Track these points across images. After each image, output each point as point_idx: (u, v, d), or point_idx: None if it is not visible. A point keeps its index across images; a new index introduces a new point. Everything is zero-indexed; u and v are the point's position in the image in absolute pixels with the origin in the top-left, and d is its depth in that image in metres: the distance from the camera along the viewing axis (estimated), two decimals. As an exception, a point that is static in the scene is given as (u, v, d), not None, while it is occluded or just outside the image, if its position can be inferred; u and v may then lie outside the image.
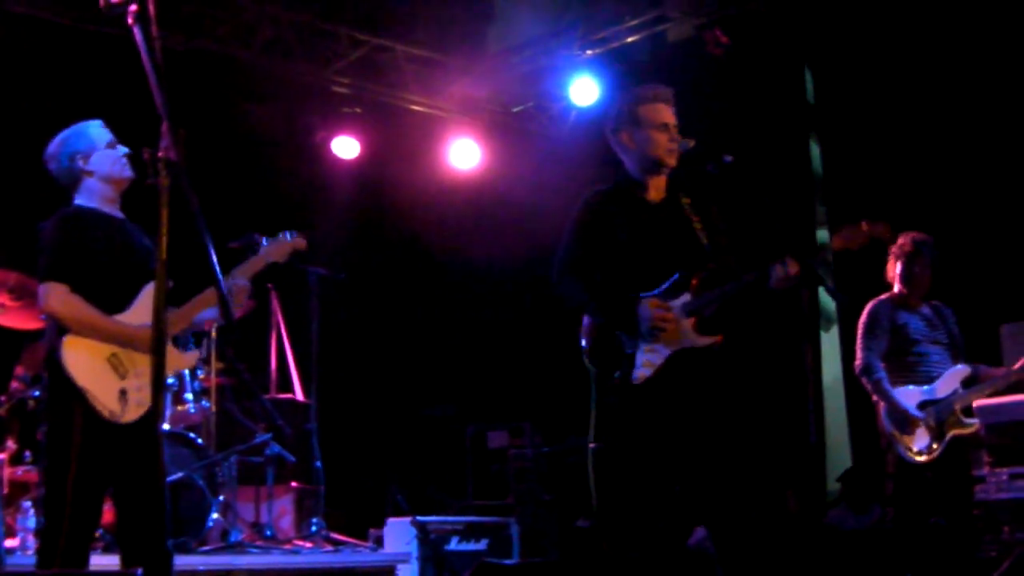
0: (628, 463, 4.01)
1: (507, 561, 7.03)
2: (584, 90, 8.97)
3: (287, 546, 6.77)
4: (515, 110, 10.04)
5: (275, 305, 8.63)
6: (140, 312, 4.12)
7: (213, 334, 6.99)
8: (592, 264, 4.17)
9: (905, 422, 5.65)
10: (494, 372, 9.90)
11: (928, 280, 5.85)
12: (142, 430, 3.99)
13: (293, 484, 7.68)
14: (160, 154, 3.16)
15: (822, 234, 8.62)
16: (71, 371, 3.97)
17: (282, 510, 7.49)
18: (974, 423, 5.67)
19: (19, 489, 6.25)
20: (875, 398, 5.80)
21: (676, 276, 4.11)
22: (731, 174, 4.19)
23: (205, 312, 4.33)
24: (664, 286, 4.12)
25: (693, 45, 8.51)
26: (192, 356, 4.61)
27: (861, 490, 7.12)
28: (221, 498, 6.62)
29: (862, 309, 5.95)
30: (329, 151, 9.62)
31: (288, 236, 4.69)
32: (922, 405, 5.66)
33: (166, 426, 6.40)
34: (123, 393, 4.03)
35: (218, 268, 3.32)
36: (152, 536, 3.83)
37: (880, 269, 6.03)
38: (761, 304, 4.23)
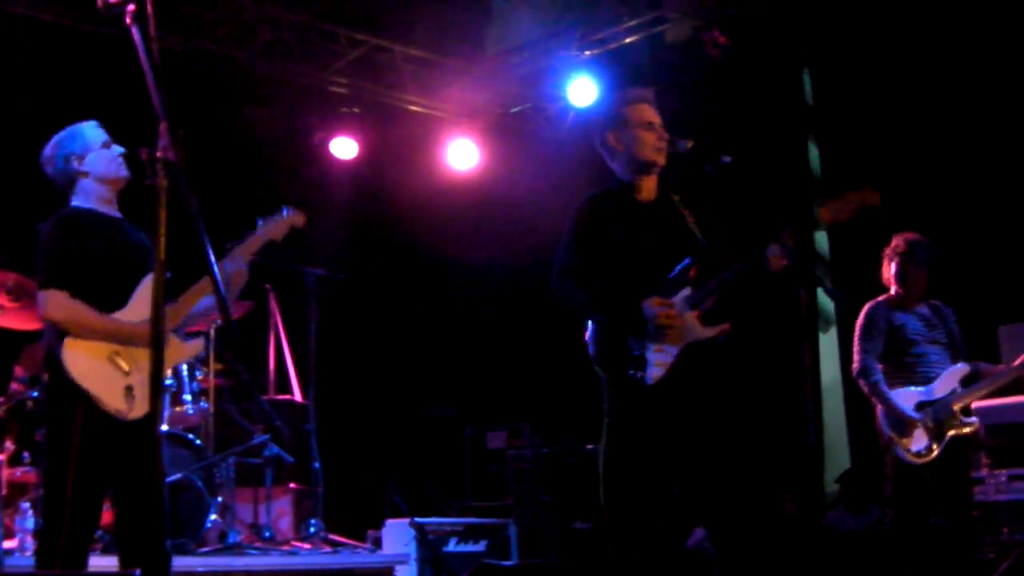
0: (643, 465, 4.00)
1: (506, 562, 7.02)
2: (582, 91, 8.96)
3: (285, 547, 6.77)
4: (513, 111, 10.04)
5: (273, 306, 8.63)
6: (138, 308, 4.12)
7: (212, 335, 6.99)
8: (591, 269, 4.16)
9: (902, 424, 5.65)
10: (493, 373, 9.90)
11: (924, 280, 5.84)
12: (143, 429, 3.99)
13: (291, 485, 7.68)
14: (158, 154, 3.16)
15: (820, 235, 8.63)
16: (74, 374, 3.97)
17: (280, 511, 7.49)
18: (973, 422, 5.66)
19: (17, 490, 6.24)
20: (873, 400, 5.80)
21: (674, 272, 4.11)
22: (729, 175, 4.18)
23: (202, 301, 4.31)
24: (669, 283, 4.11)
25: (692, 46, 8.52)
26: (195, 345, 4.52)
27: (859, 491, 7.12)
28: (219, 499, 6.61)
29: (860, 311, 5.95)
30: (327, 151, 9.62)
31: (285, 212, 4.62)
32: (920, 406, 5.66)
33: (164, 427, 6.40)
34: (129, 389, 4.03)
35: (216, 269, 3.31)
36: (151, 537, 3.83)
37: (878, 271, 6.03)
38: (761, 292, 4.22)
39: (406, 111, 9.73)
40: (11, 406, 6.27)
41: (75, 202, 4.24)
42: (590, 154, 4.53)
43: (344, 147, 9.61)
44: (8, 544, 5.68)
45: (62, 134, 4.28)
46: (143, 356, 4.04)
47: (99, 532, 5.39)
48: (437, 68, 9.57)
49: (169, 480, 6.00)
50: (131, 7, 3.27)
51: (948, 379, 5.68)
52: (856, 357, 5.85)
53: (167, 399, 6.47)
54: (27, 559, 5.51)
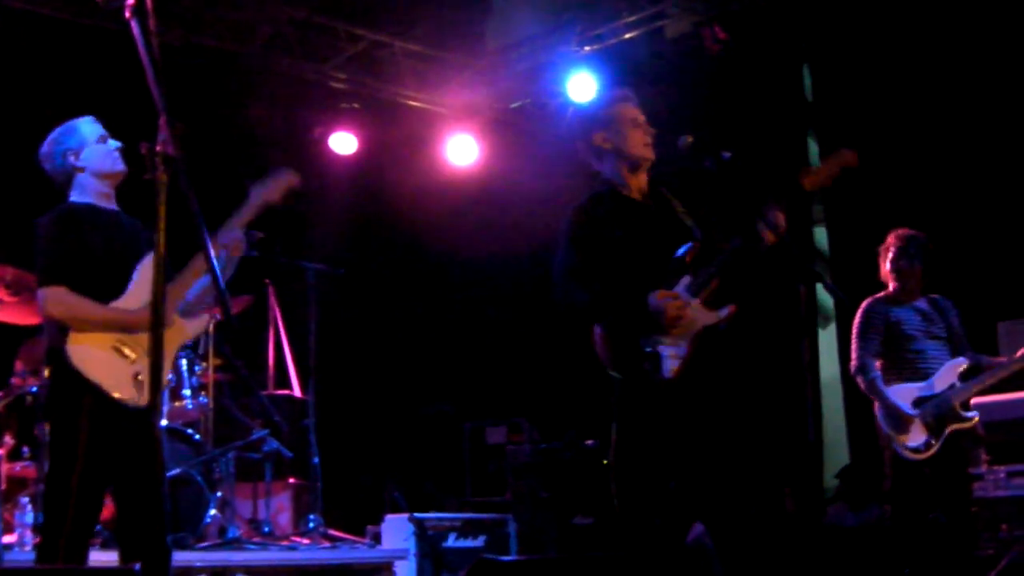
0: (660, 461, 3.99)
1: (505, 558, 7.02)
2: (582, 87, 8.95)
3: (284, 542, 6.77)
4: (513, 106, 10.04)
5: (273, 301, 8.63)
6: (137, 294, 4.12)
7: (211, 330, 6.98)
8: (592, 272, 4.13)
9: (900, 421, 5.65)
10: (492, 368, 9.90)
11: (919, 274, 5.83)
12: (146, 422, 3.98)
13: (291, 480, 7.68)
14: (158, 148, 3.15)
15: (819, 231, 8.63)
16: (81, 367, 3.97)
17: (280, 506, 7.49)
18: (973, 416, 5.65)
19: (17, 485, 6.24)
20: (871, 397, 5.80)
21: (671, 263, 4.11)
22: (729, 171, 4.18)
23: (200, 281, 4.29)
24: (668, 273, 4.11)
25: (691, 42, 8.51)
26: (199, 322, 4.44)
27: (859, 487, 7.12)
28: (218, 494, 6.61)
29: (859, 307, 5.95)
30: (327, 147, 9.61)
31: (277, 174, 4.55)
32: (918, 402, 5.66)
33: (163, 422, 6.40)
34: (137, 376, 4.03)
35: (216, 265, 3.31)
36: (152, 532, 3.83)
37: (878, 267, 6.03)
38: (761, 269, 4.21)
39: (406, 107, 9.73)
40: (10, 401, 6.27)
41: (73, 197, 4.25)
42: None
43: (343, 143, 9.61)
44: (7, 539, 5.68)
45: (58, 130, 4.28)
46: (147, 341, 4.03)
47: (98, 527, 5.40)
48: (437, 64, 9.57)
49: (168, 475, 5.99)
50: (131, 1, 3.26)
51: (947, 373, 5.68)
52: (854, 355, 5.85)
53: (166, 394, 6.46)
54: (26, 554, 5.51)
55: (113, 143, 4.26)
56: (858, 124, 8.21)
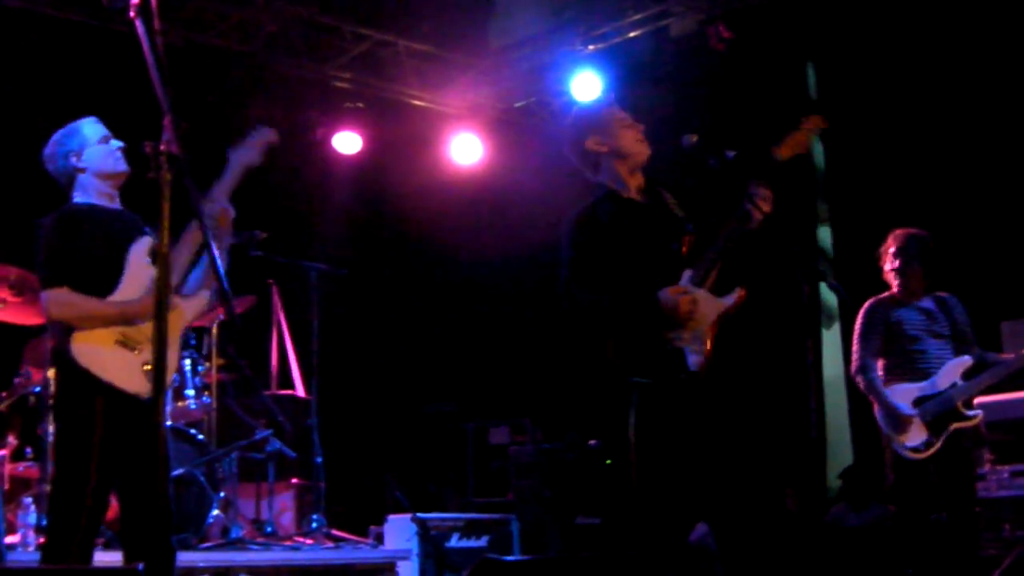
0: (685, 460, 3.98)
1: (508, 558, 7.02)
2: (586, 86, 8.95)
3: (288, 542, 6.77)
4: (517, 105, 10.03)
5: (276, 301, 8.63)
6: (132, 283, 4.12)
7: (214, 331, 6.99)
8: (599, 277, 4.11)
9: (898, 420, 5.64)
10: (495, 368, 9.90)
11: (919, 273, 5.82)
12: (153, 420, 3.96)
13: (294, 480, 7.68)
14: (162, 148, 3.15)
15: (824, 231, 8.62)
16: (88, 366, 3.97)
17: (283, 506, 7.49)
18: (976, 415, 5.63)
19: (20, 485, 6.24)
20: (870, 398, 5.80)
21: (668, 258, 4.11)
22: (733, 169, 4.18)
23: (198, 269, 4.27)
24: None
25: (696, 40, 8.51)
26: (199, 301, 4.33)
27: (862, 487, 7.11)
28: (222, 494, 6.62)
29: (862, 307, 5.94)
30: (330, 146, 9.61)
31: (254, 134, 4.45)
32: (918, 401, 5.64)
33: (167, 422, 6.39)
34: (147, 365, 4.02)
35: (220, 264, 3.31)
36: (156, 532, 3.83)
37: (881, 266, 6.03)
38: (760, 249, 4.20)
39: (409, 106, 9.73)
40: (14, 401, 6.28)
41: (76, 198, 4.25)
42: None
43: (347, 142, 9.60)
44: (10, 539, 5.68)
45: (61, 132, 4.28)
46: (151, 329, 4.03)
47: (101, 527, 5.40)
48: (440, 63, 9.57)
49: (172, 475, 5.99)
50: (135, 1, 3.26)
51: (950, 372, 5.67)
52: (854, 355, 5.86)
53: (169, 394, 6.46)
54: (29, 554, 5.51)
55: (115, 143, 4.26)
56: (862, 122, 8.20)
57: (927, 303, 5.84)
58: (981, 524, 6.09)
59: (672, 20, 8.74)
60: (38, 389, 6.14)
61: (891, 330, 5.79)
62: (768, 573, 3.92)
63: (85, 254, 4.09)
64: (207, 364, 6.83)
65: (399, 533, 6.98)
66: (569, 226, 4.20)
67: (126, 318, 4.06)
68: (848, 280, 7.27)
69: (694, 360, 3.97)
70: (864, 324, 5.86)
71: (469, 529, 7.23)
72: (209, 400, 6.76)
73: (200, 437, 6.58)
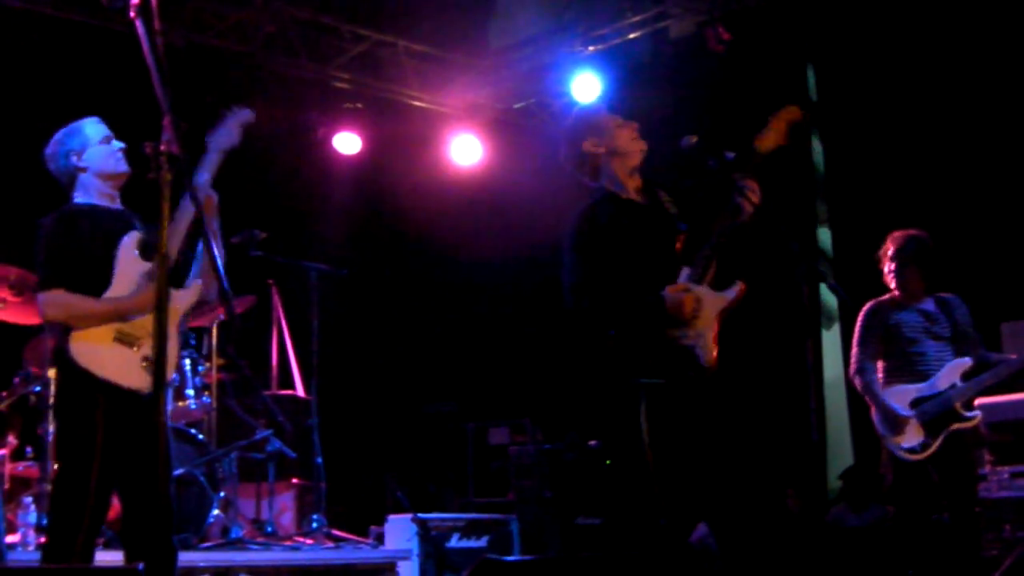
0: (696, 457, 3.98)
1: (508, 558, 7.02)
2: (586, 87, 8.96)
3: (288, 542, 6.77)
4: (516, 106, 10.04)
5: (276, 301, 8.63)
6: (124, 280, 4.12)
7: (214, 331, 6.99)
8: (602, 279, 4.10)
9: (893, 422, 5.64)
10: (495, 369, 9.90)
11: (916, 275, 5.81)
12: (154, 419, 3.96)
13: (294, 480, 7.68)
14: (162, 148, 3.16)
15: (824, 232, 8.62)
16: (88, 365, 3.98)
17: (283, 506, 7.49)
18: (974, 416, 5.62)
19: (20, 485, 6.24)
20: (867, 399, 5.81)
21: (667, 257, 4.11)
22: (733, 170, 4.18)
23: (194, 265, 4.25)
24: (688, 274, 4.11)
25: (695, 41, 8.51)
26: (192, 290, 4.28)
27: (862, 488, 7.12)
28: (222, 494, 6.62)
29: (862, 308, 5.95)
30: (330, 147, 9.61)
31: (232, 117, 4.41)
32: (916, 402, 5.64)
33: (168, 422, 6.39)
34: (146, 360, 4.03)
35: (220, 264, 3.31)
36: (158, 532, 3.83)
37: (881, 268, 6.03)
38: (754, 241, 4.21)
39: (409, 106, 9.73)
40: (14, 400, 6.28)
41: (77, 198, 4.25)
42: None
43: (347, 142, 9.61)
44: (10, 539, 5.68)
45: (63, 131, 4.29)
46: (148, 322, 4.03)
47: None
48: (440, 64, 9.57)
49: (173, 475, 5.99)
50: (135, 1, 3.27)
51: (949, 373, 5.66)
52: (853, 357, 5.87)
53: (170, 393, 6.46)
54: (30, 553, 5.51)
55: (117, 144, 4.26)
56: (862, 124, 8.20)
57: (928, 305, 5.83)
58: (981, 525, 6.09)
59: (671, 22, 8.75)
60: (38, 388, 6.14)
61: (889, 333, 5.79)
62: (768, 573, 3.92)
63: (80, 254, 4.10)
64: (207, 364, 6.84)
65: (399, 533, 6.98)
66: (570, 228, 4.20)
67: (120, 314, 4.06)
68: (848, 281, 7.28)
69: (706, 356, 3.98)
70: (863, 326, 5.87)
71: (469, 529, 7.24)
72: (209, 400, 6.76)
73: (200, 437, 6.58)
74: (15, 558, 5.42)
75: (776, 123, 4.28)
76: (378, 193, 10.19)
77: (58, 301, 4.04)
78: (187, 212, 4.07)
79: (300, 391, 8.49)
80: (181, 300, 4.22)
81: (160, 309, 3.10)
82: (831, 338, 8.33)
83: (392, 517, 7.18)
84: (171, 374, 5.69)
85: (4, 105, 7.46)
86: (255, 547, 6.41)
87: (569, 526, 7.95)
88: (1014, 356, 5.78)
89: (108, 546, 5.48)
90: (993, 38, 7.50)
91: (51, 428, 5.74)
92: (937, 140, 7.77)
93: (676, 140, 4.23)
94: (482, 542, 7.24)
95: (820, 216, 8.63)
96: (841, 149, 8.50)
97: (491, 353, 9.97)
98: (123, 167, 4.25)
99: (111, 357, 4.01)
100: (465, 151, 9.95)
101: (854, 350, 5.87)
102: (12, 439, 6.32)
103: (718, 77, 8.44)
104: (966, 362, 5.67)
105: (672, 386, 3.97)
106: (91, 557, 3.95)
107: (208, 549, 6.14)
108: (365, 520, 7.59)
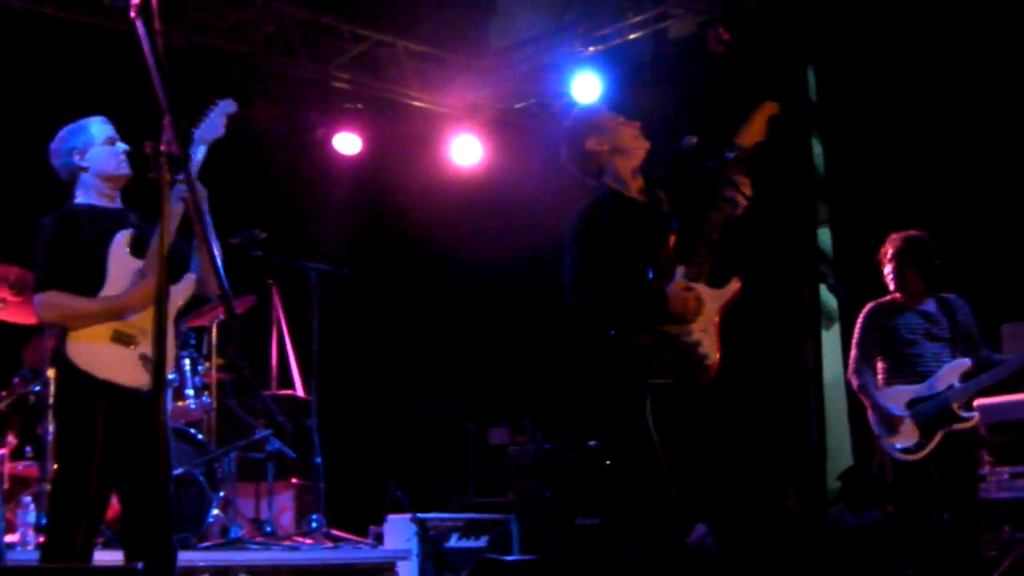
0: (696, 458, 3.99)
1: (507, 558, 7.03)
2: (586, 87, 8.96)
3: (287, 542, 6.77)
4: (517, 107, 10.04)
5: (276, 301, 8.63)
6: (117, 278, 4.11)
7: (214, 330, 6.99)
8: (605, 276, 4.10)
9: (889, 422, 5.65)
10: (495, 369, 9.90)
11: (916, 275, 5.80)
12: (153, 419, 3.96)
13: (293, 480, 7.68)
14: (162, 148, 3.16)
15: (824, 232, 8.62)
16: (86, 366, 3.98)
17: (282, 506, 7.49)
18: (972, 417, 5.62)
19: (19, 484, 6.25)
20: (862, 399, 5.81)
21: (665, 256, 4.11)
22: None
23: (193, 261, 4.26)
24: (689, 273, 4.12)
25: (695, 42, 8.51)
26: (185, 285, 4.25)
27: (862, 488, 7.12)
28: (221, 494, 6.62)
29: (862, 308, 5.95)
30: (330, 147, 9.61)
31: (216, 109, 4.34)
32: (912, 403, 5.64)
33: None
34: (143, 357, 4.03)
35: (220, 265, 3.31)
36: (157, 532, 3.83)
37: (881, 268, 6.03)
38: (749, 237, 4.21)
39: (409, 107, 9.73)
40: (13, 400, 6.28)
41: (77, 196, 4.26)
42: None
43: (347, 143, 9.61)
44: (10, 538, 5.68)
45: (69, 127, 4.28)
46: (143, 320, 4.05)
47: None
48: (440, 64, 9.57)
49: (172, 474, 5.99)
50: (135, 2, 3.27)
51: (948, 374, 5.66)
52: (851, 358, 5.88)
53: (169, 394, 6.46)
54: (29, 553, 5.51)
55: (121, 146, 4.25)
56: (862, 125, 8.20)
57: (929, 306, 5.83)
58: (981, 525, 6.09)
59: (671, 22, 8.75)
60: (38, 388, 6.15)
61: (888, 334, 5.79)
62: (768, 573, 3.93)
63: (76, 254, 4.10)
64: (207, 364, 6.84)
65: (399, 533, 6.98)
66: (572, 226, 4.20)
67: (114, 313, 4.06)
68: (848, 281, 7.29)
69: (712, 357, 3.99)
70: (862, 327, 5.87)
71: (469, 529, 7.24)
72: (209, 400, 6.76)
73: (200, 437, 6.58)
74: (14, 558, 5.42)
75: (755, 119, 4.28)
76: (378, 193, 10.19)
77: (52, 302, 4.05)
78: (176, 207, 4.05)
79: (300, 391, 8.50)
80: (174, 295, 4.19)
81: (160, 309, 3.10)
82: (831, 338, 8.33)
83: (391, 517, 7.18)
84: (169, 369, 5.68)
85: (4, 105, 7.47)
86: (254, 547, 6.41)
87: (569, 526, 7.95)
88: (1012, 356, 5.79)
89: (107, 546, 5.49)
90: (993, 38, 7.50)
91: (51, 428, 5.74)
92: (937, 140, 7.77)
93: (676, 140, 4.24)
94: (482, 542, 7.24)
95: (820, 216, 8.63)
96: (841, 149, 8.50)
97: (491, 353, 9.98)
98: (124, 170, 4.24)
99: (109, 356, 4.01)
100: (465, 151, 9.95)
101: (853, 351, 5.89)
102: (12, 439, 6.32)
103: (718, 77, 8.44)
104: (965, 363, 5.66)
105: (677, 386, 3.97)
106: (90, 557, 3.95)
107: (207, 549, 6.14)
108: (364, 520, 7.59)
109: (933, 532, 5.64)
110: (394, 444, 9.70)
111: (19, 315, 6.17)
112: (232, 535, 6.45)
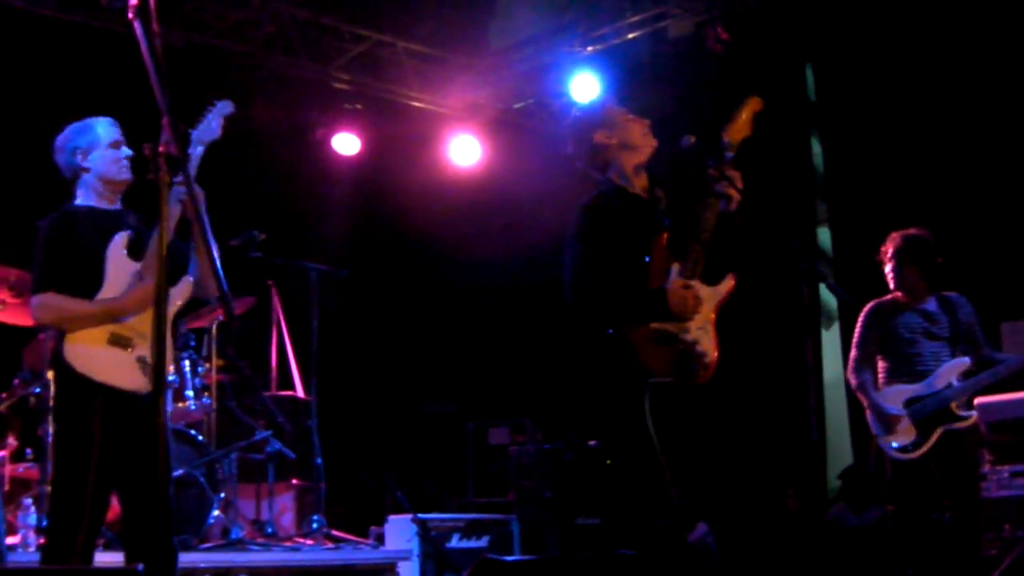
0: (696, 457, 3.99)
1: (508, 558, 7.02)
2: (585, 87, 8.96)
3: (288, 543, 6.77)
4: (516, 107, 10.04)
5: (276, 302, 8.63)
6: (115, 281, 4.11)
7: (214, 331, 6.99)
8: (606, 272, 4.10)
9: (885, 421, 5.65)
10: (495, 369, 9.90)
11: (915, 275, 5.80)
12: (153, 420, 3.96)
13: (294, 481, 7.68)
14: (161, 149, 3.15)
15: (823, 232, 8.62)
16: (83, 369, 3.98)
17: (283, 507, 7.49)
18: (970, 416, 5.61)
19: (20, 486, 6.25)
20: (860, 397, 5.82)
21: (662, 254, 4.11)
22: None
23: (191, 263, 4.25)
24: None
25: (694, 41, 8.51)
26: (182, 287, 4.25)
27: (862, 487, 7.12)
28: (222, 495, 6.62)
29: (862, 308, 5.95)
30: (329, 147, 9.61)
31: (214, 111, 4.34)
32: (910, 402, 5.64)
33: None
34: (141, 360, 4.02)
35: (219, 266, 3.31)
36: (158, 533, 3.83)
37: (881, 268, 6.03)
38: (744, 234, 4.21)
39: (408, 107, 9.73)
40: (14, 402, 6.28)
41: (78, 197, 4.26)
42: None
43: (346, 143, 9.61)
44: (11, 540, 5.68)
45: (75, 125, 4.28)
46: (140, 323, 4.05)
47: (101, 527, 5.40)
48: (439, 64, 9.57)
49: (173, 476, 5.99)
50: (133, 2, 3.27)
51: (947, 373, 5.66)
52: (850, 357, 5.88)
53: (169, 395, 6.46)
54: (30, 555, 5.51)
55: (125, 151, 4.24)
56: (861, 124, 8.21)
57: (930, 305, 5.82)
58: (982, 524, 6.09)
59: (670, 22, 8.74)
60: (37, 390, 6.14)
61: (887, 333, 5.80)
62: (768, 573, 3.93)
63: (74, 256, 4.09)
64: (207, 365, 6.83)
65: (399, 533, 6.98)
66: (575, 220, 4.21)
67: (111, 315, 4.06)
68: (848, 281, 7.29)
69: (710, 356, 3.99)
70: (862, 327, 5.88)
71: (469, 529, 7.23)
72: (209, 401, 6.76)
73: (200, 438, 6.58)
74: (15, 559, 5.42)
75: (740, 114, 4.29)
76: (378, 193, 10.19)
77: (49, 303, 4.05)
78: (174, 208, 4.04)
79: (300, 392, 8.49)
80: (172, 297, 4.19)
81: (159, 311, 3.10)
82: (831, 338, 8.33)
83: (392, 517, 7.18)
84: (168, 371, 5.69)
85: (4, 106, 7.47)
86: (255, 548, 6.41)
87: (569, 526, 7.95)
88: (1012, 356, 5.79)
89: (108, 547, 5.48)
90: (993, 38, 7.50)
91: (51, 429, 5.74)
92: (937, 140, 7.77)
93: (676, 140, 4.24)
94: (482, 542, 7.24)
95: (819, 215, 8.63)
96: (840, 148, 8.50)
97: (491, 353, 9.98)
98: (126, 175, 4.24)
99: (107, 359, 4.01)
100: (465, 151, 9.95)
101: (852, 351, 5.89)
102: (12, 440, 6.32)
103: (717, 77, 8.44)
104: (964, 362, 5.66)
105: (676, 384, 3.97)
106: (91, 558, 3.95)
107: (208, 550, 6.14)
108: (365, 520, 7.59)
109: (933, 531, 5.65)
110: (395, 444, 9.70)
111: (19, 317, 6.17)
112: (233, 536, 6.45)
